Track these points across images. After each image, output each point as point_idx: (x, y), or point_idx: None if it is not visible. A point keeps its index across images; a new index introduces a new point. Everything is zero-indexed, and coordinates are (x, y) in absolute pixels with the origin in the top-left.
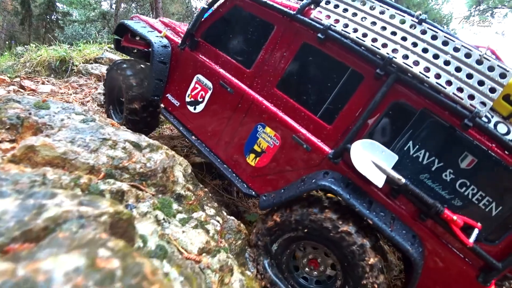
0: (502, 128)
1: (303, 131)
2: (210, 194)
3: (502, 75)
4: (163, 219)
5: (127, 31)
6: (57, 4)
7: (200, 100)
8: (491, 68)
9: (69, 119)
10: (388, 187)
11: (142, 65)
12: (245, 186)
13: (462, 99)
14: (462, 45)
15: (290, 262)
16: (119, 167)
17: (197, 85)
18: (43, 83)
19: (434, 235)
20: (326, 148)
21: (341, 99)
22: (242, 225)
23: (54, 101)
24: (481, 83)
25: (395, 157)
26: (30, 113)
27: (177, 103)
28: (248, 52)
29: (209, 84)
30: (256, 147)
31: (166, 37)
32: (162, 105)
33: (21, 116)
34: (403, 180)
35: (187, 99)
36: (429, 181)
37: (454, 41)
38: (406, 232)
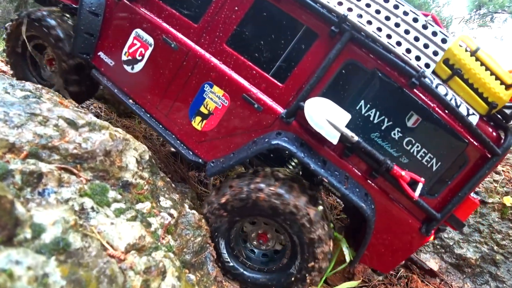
0: (442, 90)
1: (254, 90)
2: (173, 185)
3: (444, 40)
4: (91, 207)
5: None
6: None
7: (139, 58)
8: (434, 33)
9: (6, 94)
10: (341, 147)
11: (67, 16)
12: (191, 153)
13: (410, 59)
14: (411, 10)
15: (238, 238)
16: (48, 147)
17: (135, 41)
18: None
19: (383, 192)
20: (279, 108)
21: (295, 57)
22: (203, 220)
23: (4, 77)
24: (426, 46)
25: (348, 116)
26: None
27: (111, 63)
28: (196, 4)
29: (150, 40)
30: (202, 109)
31: None
32: (93, 65)
33: None
34: (356, 138)
35: (124, 58)
36: (379, 139)
37: (403, 5)
38: (359, 190)
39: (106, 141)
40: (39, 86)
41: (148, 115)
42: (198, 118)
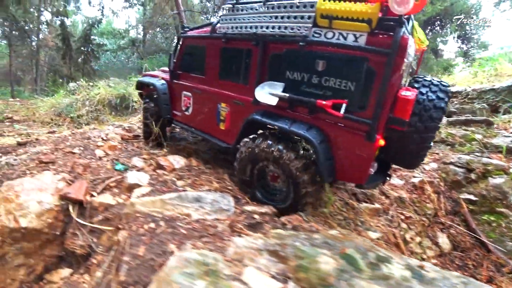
0: (330, 34)
1: (238, 95)
2: None
3: (312, 5)
4: None
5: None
6: (92, 36)
7: (189, 105)
8: (304, 6)
9: None
10: (287, 104)
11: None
12: (223, 143)
13: (294, 31)
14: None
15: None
16: None
17: (184, 98)
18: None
19: (328, 122)
20: (251, 99)
21: (246, 69)
22: None
23: None
24: (302, 17)
25: (281, 84)
26: None
27: (179, 114)
28: (199, 66)
29: (189, 94)
30: (221, 117)
31: (163, 78)
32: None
33: None
34: (287, 95)
35: (183, 108)
36: (307, 88)
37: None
38: (303, 126)
39: None
40: None
41: (201, 132)
42: (221, 123)
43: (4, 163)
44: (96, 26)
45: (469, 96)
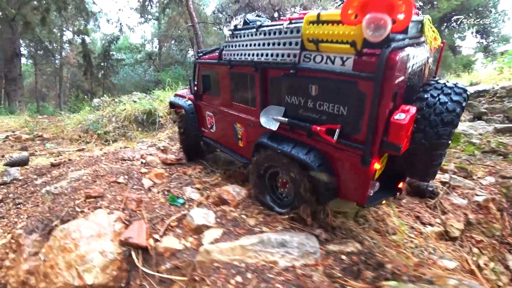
0: (319, 58)
1: (249, 117)
2: None
3: (298, 30)
4: None
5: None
6: (111, 52)
7: (212, 124)
8: (291, 31)
9: None
10: (287, 127)
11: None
12: (243, 158)
13: (284, 59)
14: (274, 27)
15: (268, 183)
16: None
17: (208, 117)
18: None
19: (328, 146)
20: (259, 121)
21: (253, 93)
22: None
23: None
24: (290, 43)
25: (282, 109)
26: None
27: (206, 130)
28: (215, 89)
29: (211, 114)
30: (238, 136)
31: (189, 98)
32: (202, 135)
33: None
34: (286, 120)
35: (208, 126)
36: (304, 112)
37: (270, 26)
38: (303, 149)
39: None
40: None
41: (224, 147)
42: (240, 141)
43: (44, 192)
44: (114, 42)
45: (497, 95)
